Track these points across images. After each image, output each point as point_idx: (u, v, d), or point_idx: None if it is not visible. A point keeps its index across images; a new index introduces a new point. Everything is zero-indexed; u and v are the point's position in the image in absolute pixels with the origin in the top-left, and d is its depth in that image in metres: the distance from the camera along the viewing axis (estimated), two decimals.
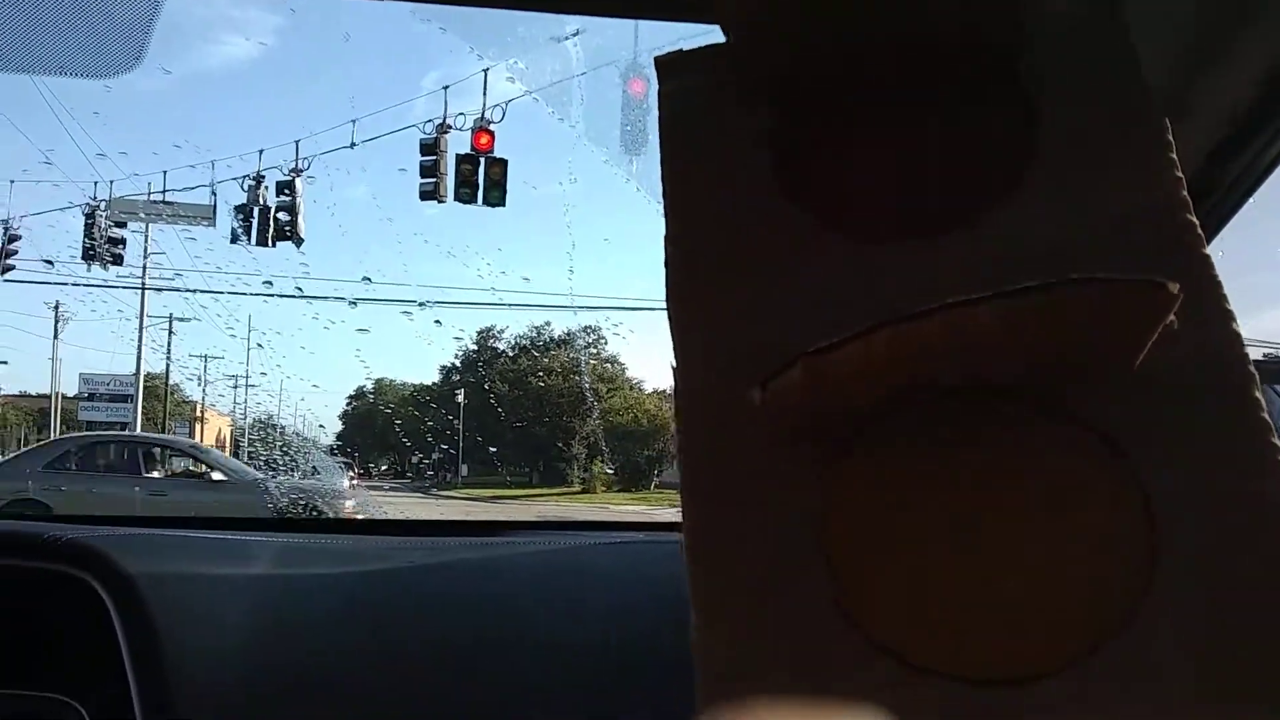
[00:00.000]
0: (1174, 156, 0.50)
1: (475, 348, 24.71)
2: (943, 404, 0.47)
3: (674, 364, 0.52)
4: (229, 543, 1.14)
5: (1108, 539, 0.45)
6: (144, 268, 17.12)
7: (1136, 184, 0.50)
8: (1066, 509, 0.46)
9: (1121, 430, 0.46)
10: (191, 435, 24.02)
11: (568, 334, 24.26)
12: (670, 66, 0.60)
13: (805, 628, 0.45)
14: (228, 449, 23.55)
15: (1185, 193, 0.49)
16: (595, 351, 24.37)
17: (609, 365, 24.63)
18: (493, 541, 1.33)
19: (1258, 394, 0.45)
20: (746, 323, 0.52)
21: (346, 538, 1.30)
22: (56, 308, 20.51)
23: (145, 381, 21.22)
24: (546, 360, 23.57)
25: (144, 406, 20.91)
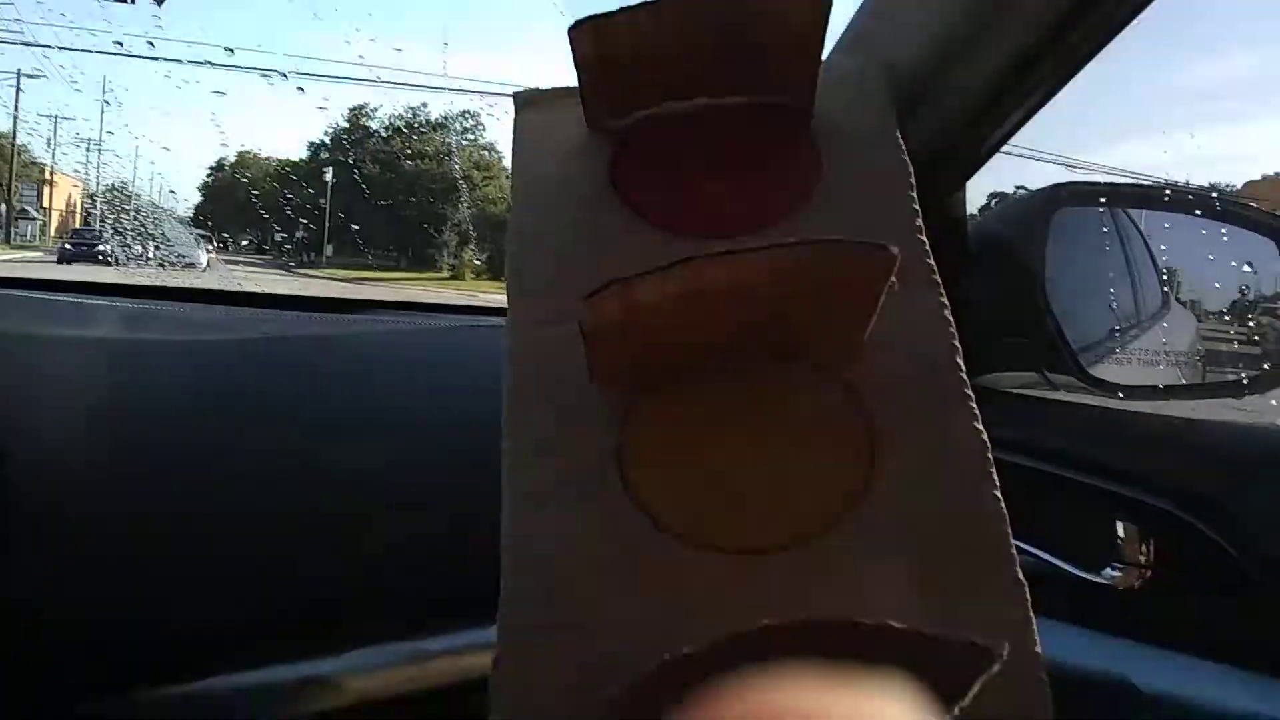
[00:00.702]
0: (913, 193, 0.71)
1: (346, 125, 23.71)
2: (722, 359, 0.62)
3: (506, 322, 0.66)
4: (71, 305, 1.10)
5: (839, 451, 0.61)
6: None
7: (884, 214, 0.68)
8: (809, 429, 0.62)
9: (860, 382, 0.62)
10: (39, 199, 22.79)
11: (444, 118, 23.44)
12: (526, 100, 0.75)
13: (606, 517, 0.59)
14: (78, 215, 22.45)
15: (918, 218, 0.69)
16: (473, 139, 23.71)
17: (486, 152, 24.00)
18: (353, 319, 1.31)
19: (959, 359, 0.64)
20: (573, 285, 0.60)
21: (197, 306, 1.26)
22: None
23: None
24: (419, 142, 22.84)
25: None
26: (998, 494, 0.60)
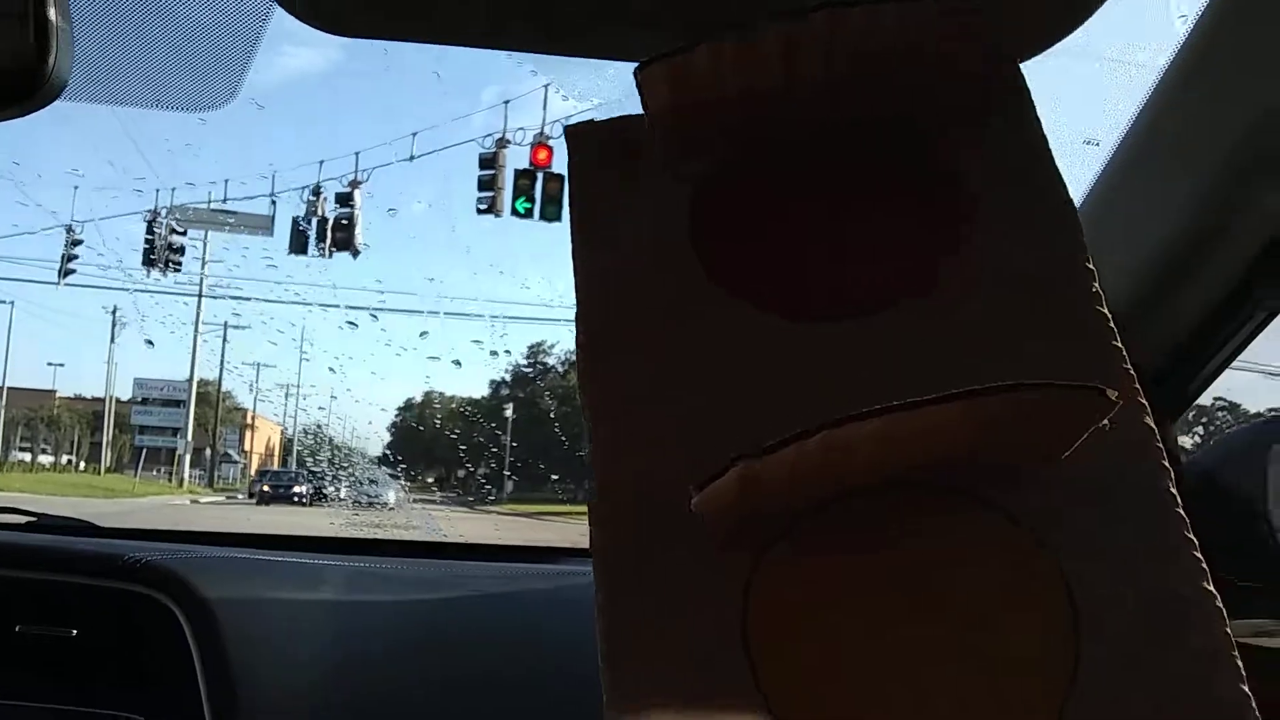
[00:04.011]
0: (1082, 239, 0.50)
1: (525, 362, 24.75)
2: (867, 499, 0.47)
3: (587, 455, 0.50)
4: (301, 566, 1.16)
5: (1032, 638, 0.45)
6: (201, 276, 17.36)
7: (1046, 272, 0.50)
8: (990, 605, 0.46)
9: (1042, 524, 0.46)
10: (241, 441, 24.31)
11: None
12: (580, 135, 0.58)
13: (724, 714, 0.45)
14: (277, 456, 23.76)
15: (1094, 281, 0.49)
16: None
17: None
18: (542, 569, 1.33)
19: (1172, 489, 0.46)
20: (669, 410, 0.50)
21: (413, 561, 1.31)
22: (114, 312, 20.88)
23: (197, 388, 21.52)
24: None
25: (195, 412, 21.21)
26: (1245, 686, 0.44)
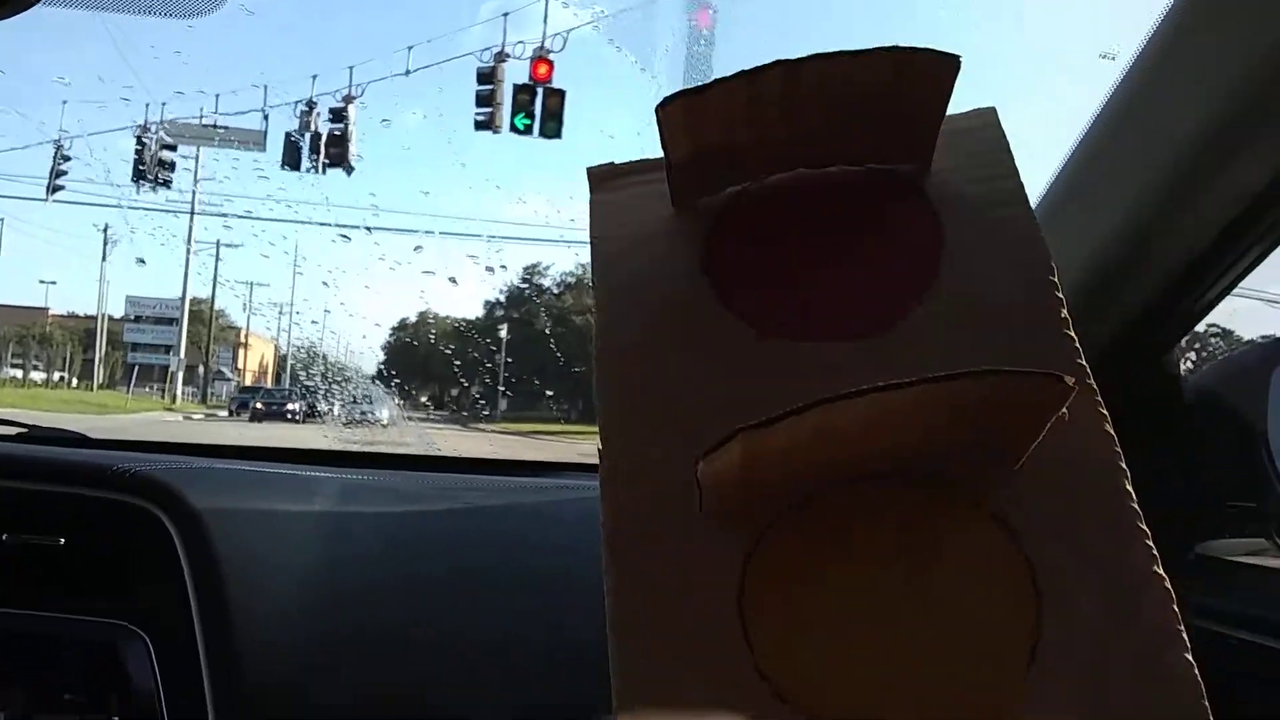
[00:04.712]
0: (1051, 266, 0.58)
1: (520, 284, 24.65)
2: (857, 490, 0.53)
3: (599, 443, 0.56)
4: (292, 478, 1.15)
5: (998, 617, 0.51)
6: (193, 192, 17.19)
7: (1018, 298, 0.57)
8: (964, 585, 0.52)
9: (1009, 512, 0.52)
10: (235, 359, 24.31)
11: None
12: (602, 176, 0.65)
13: (732, 700, 0.50)
14: (271, 374, 23.78)
15: (1061, 304, 0.56)
16: None
17: None
18: (545, 485, 1.33)
19: (1127, 483, 0.52)
20: (673, 408, 0.56)
21: (405, 474, 1.31)
22: (105, 230, 20.72)
23: (190, 306, 21.46)
24: (589, 300, 23.48)
25: (188, 330, 21.15)
26: (1189, 658, 0.49)
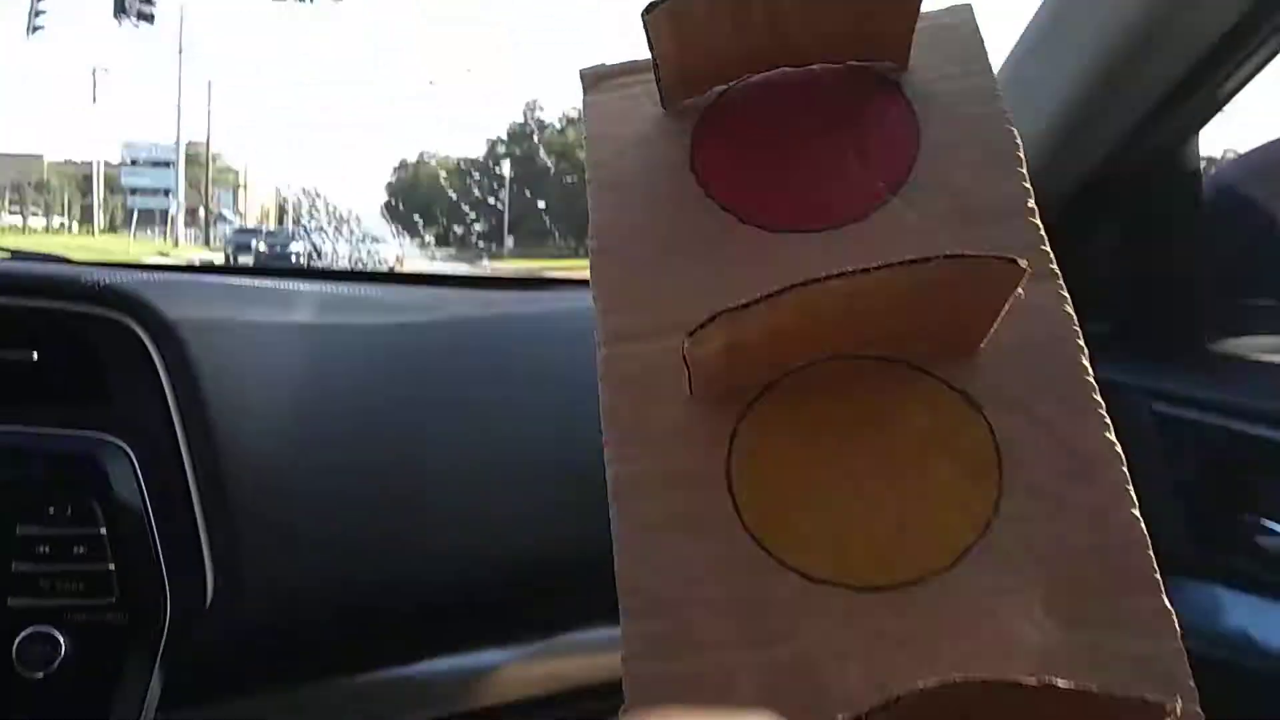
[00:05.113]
0: (1021, 156, 0.61)
1: (521, 119, 24.17)
2: (830, 367, 0.59)
3: (595, 335, 0.60)
4: (271, 290, 1.11)
5: (965, 471, 0.56)
6: (180, 18, 16.71)
7: (988, 191, 0.60)
8: (931, 449, 0.58)
9: (971, 386, 0.57)
10: (236, 202, 24.13)
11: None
12: (594, 78, 0.69)
13: (722, 553, 0.55)
14: (273, 216, 23.64)
15: (1029, 194, 0.59)
16: None
17: None
18: (540, 297, 1.30)
19: (1085, 359, 0.57)
20: (665, 294, 0.61)
21: (391, 289, 1.27)
22: (94, 73, 20.27)
23: (187, 149, 21.15)
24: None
25: (186, 173, 20.88)
26: (1137, 513, 0.55)
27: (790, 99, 0.68)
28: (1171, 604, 0.58)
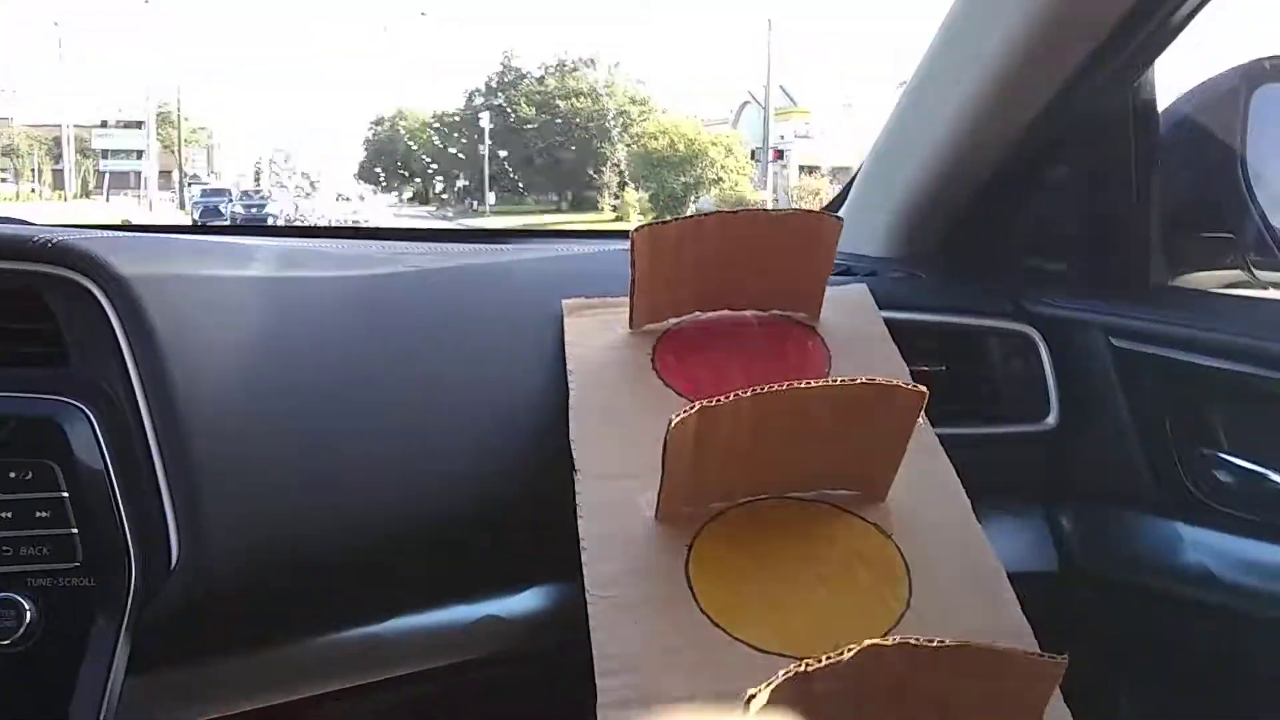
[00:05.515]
0: (904, 367, 1.01)
1: (499, 68, 23.78)
2: (769, 504, 0.85)
3: (574, 476, 0.86)
4: (230, 246, 1.10)
5: (879, 580, 0.81)
6: None
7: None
8: (854, 562, 0.82)
9: (882, 521, 0.85)
10: (210, 162, 23.85)
11: (593, 57, 23.13)
12: (573, 308, 1.01)
13: (683, 626, 0.76)
14: (249, 176, 23.37)
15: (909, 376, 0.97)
16: (625, 73, 23.33)
17: (641, 85, 23.52)
18: (502, 248, 1.29)
19: (962, 494, 0.91)
20: (630, 447, 0.86)
21: (352, 243, 1.27)
22: (56, 25, 19.92)
23: (158, 109, 20.88)
24: (573, 80, 22.61)
25: (159, 134, 20.62)
26: (1019, 611, 0.82)
27: (728, 330, 1.00)
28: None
